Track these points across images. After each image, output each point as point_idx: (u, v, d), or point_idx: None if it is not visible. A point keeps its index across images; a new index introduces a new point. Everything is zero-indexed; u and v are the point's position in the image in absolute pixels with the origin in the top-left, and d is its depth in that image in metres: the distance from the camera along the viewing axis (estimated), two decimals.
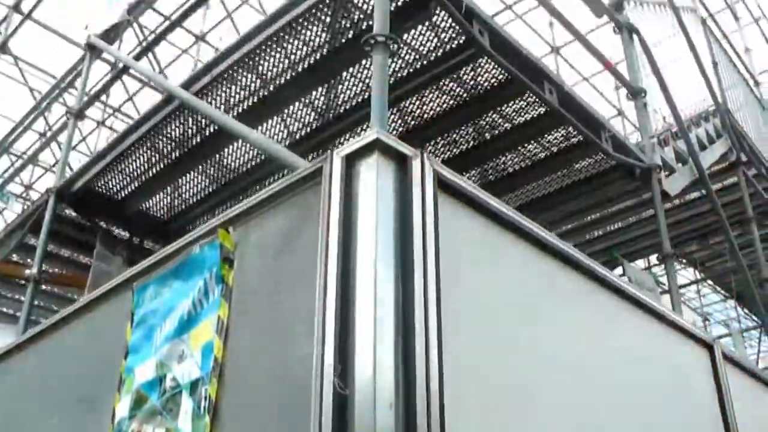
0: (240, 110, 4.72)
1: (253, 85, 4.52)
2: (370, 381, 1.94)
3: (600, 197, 5.89)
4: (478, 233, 2.68)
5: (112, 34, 5.96)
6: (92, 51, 5.90)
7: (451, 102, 4.56)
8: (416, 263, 2.25)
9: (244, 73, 4.43)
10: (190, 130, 4.91)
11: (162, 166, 5.28)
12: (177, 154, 5.14)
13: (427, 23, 4.00)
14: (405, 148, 2.43)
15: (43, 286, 6.36)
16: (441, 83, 4.39)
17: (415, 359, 2.01)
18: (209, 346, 2.56)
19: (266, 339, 2.49)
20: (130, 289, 3.13)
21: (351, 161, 2.42)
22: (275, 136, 4.94)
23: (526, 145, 4.97)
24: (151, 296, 3.03)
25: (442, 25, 3.98)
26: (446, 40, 4.10)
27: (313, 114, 4.75)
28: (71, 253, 6.70)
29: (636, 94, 5.57)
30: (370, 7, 3.82)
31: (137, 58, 6.00)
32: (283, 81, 4.47)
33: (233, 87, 4.53)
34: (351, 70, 4.32)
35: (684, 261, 10.67)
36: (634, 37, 5.90)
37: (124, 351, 2.95)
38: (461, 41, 4.05)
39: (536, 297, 2.84)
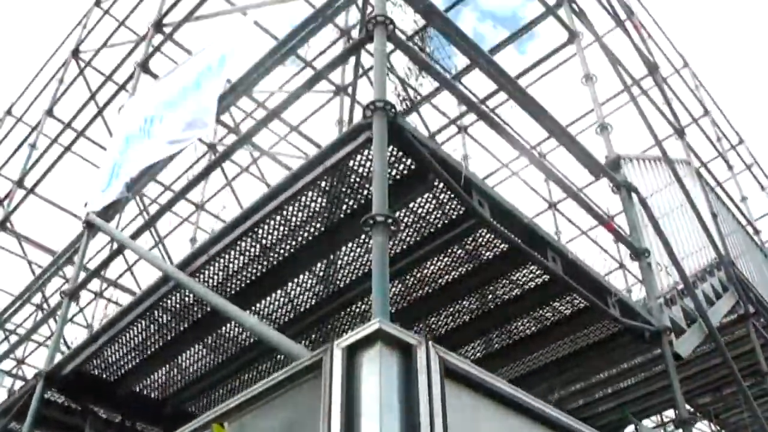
0: (242, 282, 4.64)
1: (255, 258, 4.46)
2: None
3: (609, 359, 5.72)
4: (486, 416, 2.55)
5: (110, 211, 5.97)
6: (90, 228, 5.88)
7: (454, 272, 4.48)
8: None
9: (242, 249, 4.38)
10: (188, 308, 4.81)
11: (157, 345, 5.13)
12: (173, 333, 5.02)
13: (427, 195, 3.98)
14: (408, 337, 2.33)
15: None
16: (443, 254, 4.33)
17: None
18: None
19: None
20: None
21: (352, 352, 2.32)
22: (278, 311, 4.83)
23: (531, 312, 4.85)
24: None
25: (442, 196, 3.96)
26: (447, 210, 4.06)
27: (315, 287, 4.67)
28: None
29: (639, 254, 5.49)
30: (369, 182, 3.82)
31: (137, 234, 5.94)
32: (284, 253, 4.40)
33: (232, 264, 4.47)
34: (350, 245, 4.28)
35: (698, 414, 10.33)
36: (634, 195, 5.90)
37: None
38: (461, 211, 4.02)
39: None
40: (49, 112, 9.54)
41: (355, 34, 9.78)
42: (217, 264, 4.45)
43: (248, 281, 4.64)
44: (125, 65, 8.17)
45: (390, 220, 3.02)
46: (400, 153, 3.74)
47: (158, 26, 7.26)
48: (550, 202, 12.94)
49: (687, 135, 8.85)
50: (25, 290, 8.44)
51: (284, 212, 4.10)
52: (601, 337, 5.13)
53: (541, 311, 4.83)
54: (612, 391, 8.66)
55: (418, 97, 8.58)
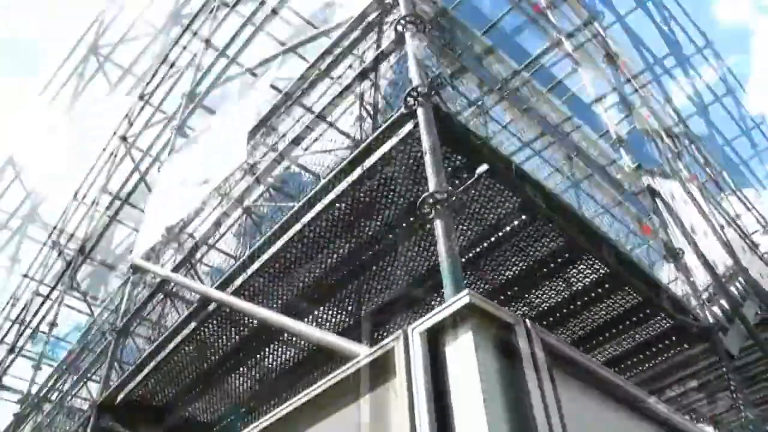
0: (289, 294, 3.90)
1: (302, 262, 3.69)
2: None
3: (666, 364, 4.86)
4: (592, 408, 1.85)
5: (152, 256, 5.37)
6: (135, 271, 5.42)
7: (508, 272, 3.70)
8: None
9: (291, 257, 3.61)
10: (232, 328, 4.07)
11: (202, 370, 4.40)
12: (217, 357, 4.29)
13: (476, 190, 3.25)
14: (505, 314, 1.63)
15: None
16: (497, 252, 3.55)
17: None
18: None
19: None
20: None
21: (434, 336, 1.62)
22: (330, 320, 4.07)
23: (583, 311, 4.03)
24: None
25: (489, 192, 3.25)
26: (497, 205, 3.32)
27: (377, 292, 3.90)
28: None
29: (675, 254, 4.73)
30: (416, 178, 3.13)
31: (176, 268, 5.26)
32: (335, 255, 3.65)
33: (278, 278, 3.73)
34: (407, 244, 3.52)
35: None
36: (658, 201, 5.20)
37: None
38: (512, 207, 3.28)
39: None
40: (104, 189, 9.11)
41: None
42: (262, 278, 3.72)
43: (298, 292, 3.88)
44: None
45: (451, 198, 2.33)
46: (446, 148, 3.02)
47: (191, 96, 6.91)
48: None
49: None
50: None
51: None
52: (648, 337, 4.33)
53: (594, 308, 4.00)
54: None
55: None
